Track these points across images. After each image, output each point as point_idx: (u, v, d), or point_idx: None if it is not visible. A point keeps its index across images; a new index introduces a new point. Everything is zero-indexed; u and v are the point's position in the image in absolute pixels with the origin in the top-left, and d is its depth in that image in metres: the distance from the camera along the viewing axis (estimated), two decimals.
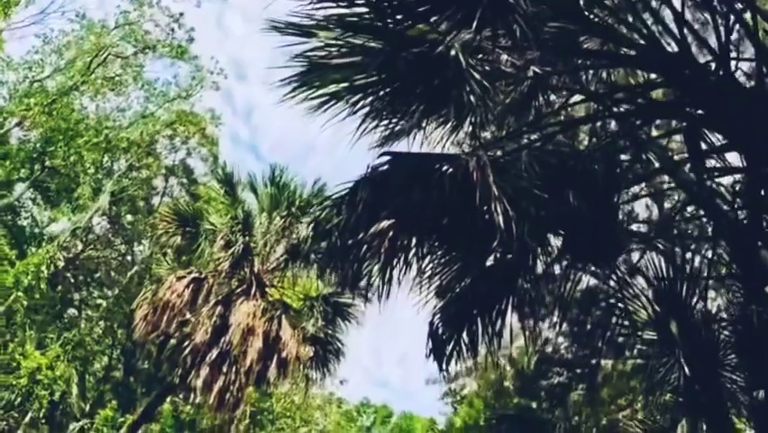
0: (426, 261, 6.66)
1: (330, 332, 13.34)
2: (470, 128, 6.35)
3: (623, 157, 6.99)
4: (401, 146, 6.58)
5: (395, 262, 6.33)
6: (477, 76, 5.78)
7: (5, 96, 22.80)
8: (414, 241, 6.34)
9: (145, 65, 21.56)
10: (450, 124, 6.43)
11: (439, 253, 6.73)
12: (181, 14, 21.29)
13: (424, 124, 6.53)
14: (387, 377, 51.29)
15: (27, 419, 18.45)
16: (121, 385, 23.84)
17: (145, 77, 21.65)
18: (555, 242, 6.72)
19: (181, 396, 21.24)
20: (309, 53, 6.31)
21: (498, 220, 5.61)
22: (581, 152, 6.87)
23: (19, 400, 18.20)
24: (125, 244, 21.37)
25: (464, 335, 6.59)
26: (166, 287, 12.39)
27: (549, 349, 17.62)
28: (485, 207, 5.77)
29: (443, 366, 6.74)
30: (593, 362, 15.04)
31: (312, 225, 12.95)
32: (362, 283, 6.37)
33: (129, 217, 21.12)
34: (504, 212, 5.65)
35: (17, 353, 18.69)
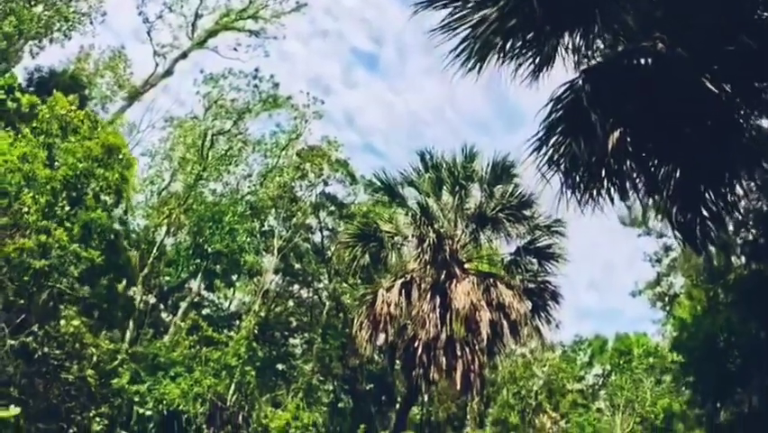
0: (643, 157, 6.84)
1: (540, 278, 13.32)
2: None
3: None
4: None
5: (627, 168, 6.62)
6: None
7: (143, 215, 25.13)
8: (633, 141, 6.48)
9: (248, 127, 22.72)
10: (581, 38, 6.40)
11: (654, 145, 6.79)
12: (257, 70, 22.27)
13: (569, 45, 6.56)
14: (585, 306, 50.62)
15: None
16: (352, 411, 25.37)
17: (252, 138, 22.85)
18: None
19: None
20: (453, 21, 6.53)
21: (708, 85, 5.74)
22: None
23: None
24: (306, 287, 22.66)
25: (704, 212, 6.60)
26: (380, 301, 12.92)
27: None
28: (694, 80, 5.81)
29: (700, 250, 7.42)
30: None
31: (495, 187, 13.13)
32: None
33: (297, 265, 22.35)
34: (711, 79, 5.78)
35: (262, 418, 20.52)
